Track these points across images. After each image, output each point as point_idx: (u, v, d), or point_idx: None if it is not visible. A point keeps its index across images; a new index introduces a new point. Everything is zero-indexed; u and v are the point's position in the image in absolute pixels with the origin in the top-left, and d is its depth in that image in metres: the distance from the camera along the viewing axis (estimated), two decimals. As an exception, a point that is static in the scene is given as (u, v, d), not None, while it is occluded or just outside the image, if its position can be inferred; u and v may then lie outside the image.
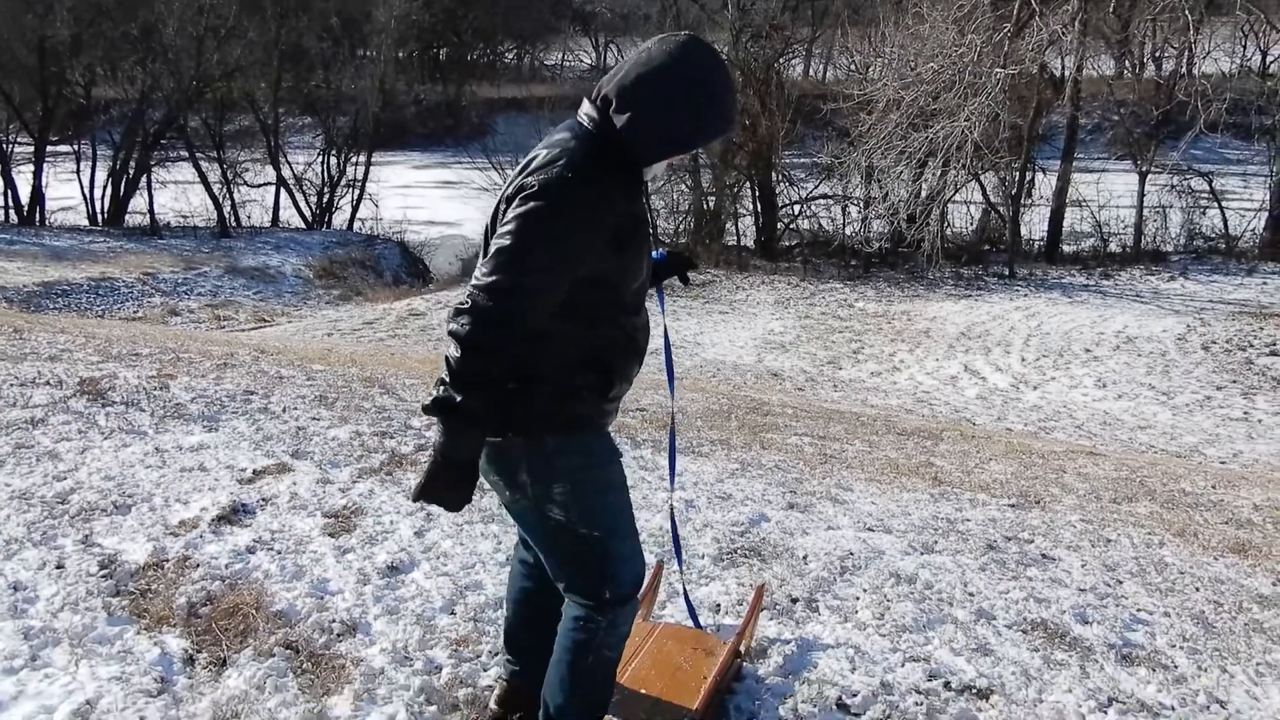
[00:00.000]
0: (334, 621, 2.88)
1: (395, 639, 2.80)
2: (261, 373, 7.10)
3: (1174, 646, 3.22)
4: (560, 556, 2.24)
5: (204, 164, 26.57)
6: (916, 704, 2.63)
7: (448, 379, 1.96)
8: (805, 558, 3.72)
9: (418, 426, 5.51)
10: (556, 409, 2.11)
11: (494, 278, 1.96)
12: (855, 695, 2.64)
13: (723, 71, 2.14)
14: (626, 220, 2.10)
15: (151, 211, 25.95)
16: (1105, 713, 2.69)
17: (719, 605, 3.25)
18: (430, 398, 1.98)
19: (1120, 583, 3.85)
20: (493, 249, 2.00)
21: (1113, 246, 22.01)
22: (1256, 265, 20.04)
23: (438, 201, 31.89)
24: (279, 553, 3.38)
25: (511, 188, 2.07)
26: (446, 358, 1.98)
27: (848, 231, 22.22)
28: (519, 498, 2.20)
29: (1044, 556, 4.08)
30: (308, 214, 28.84)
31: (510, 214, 2.01)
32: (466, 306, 1.96)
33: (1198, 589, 3.87)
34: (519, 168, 2.12)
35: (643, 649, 2.79)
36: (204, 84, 26.35)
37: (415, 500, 2.06)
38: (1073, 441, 9.89)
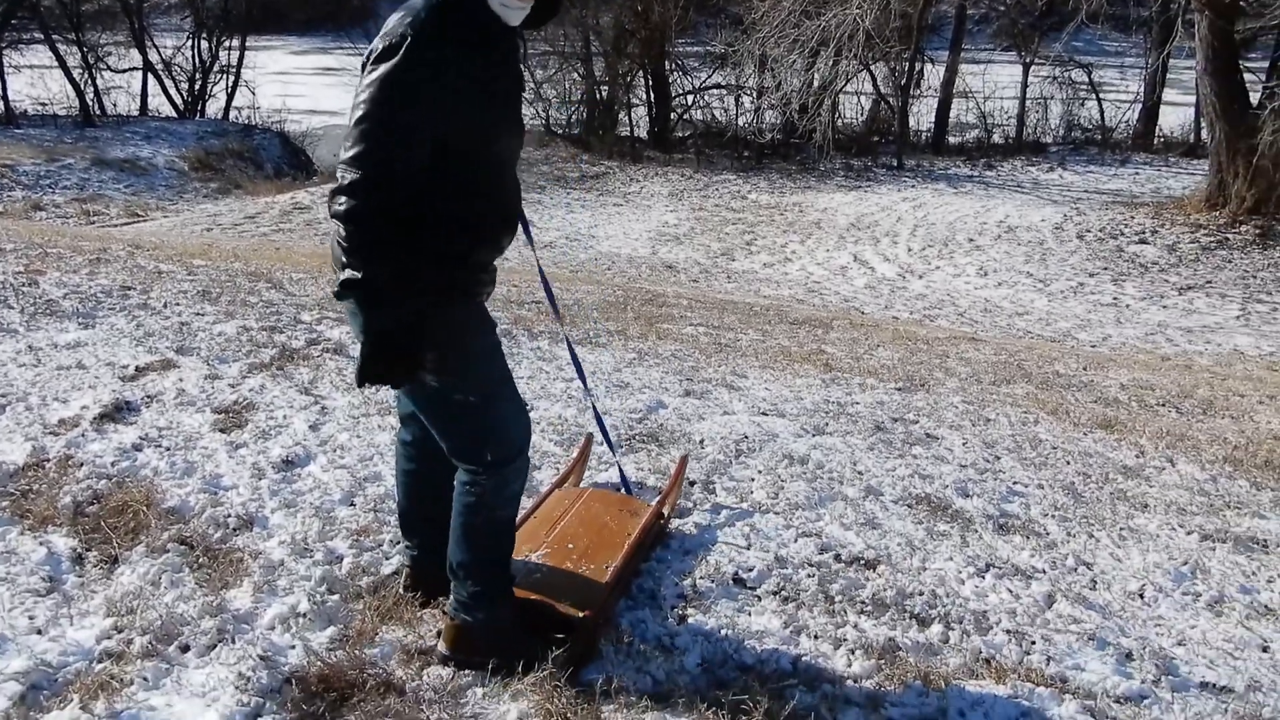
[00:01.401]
0: (229, 516, 2.84)
1: (294, 531, 2.78)
2: (139, 268, 6.80)
3: (1046, 515, 3.42)
4: (442, 423, 2.27)
5: (61, 47, 24.71)
6: (809, 575, 2.75)
7: (346, 259, 1.97)
8: (702, 442, 3.80)
9: (307, 320, 5.37)
10: (431, 278, 2.10)
11: (356, 148, 1.96)
12: (751, 570, 2.74)
13: None
14: (483, 78, 2.09)
15: (5, 99, 24.14)
16: (983, 577, 2.86)
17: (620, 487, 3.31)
18: (337, 282, 1.99)
19: (998, 458, 4.05)
20: (351, 121, 2.00)
21: (996, 138, 22.49)
22: (1129, 156, 20.75)
23: (319, 89, 30.55)
24: (168, 449, 3.29)
25: (365, 57, 2.06)
26: (338, 239, 1.99)
27: (741, 122, 22.15)
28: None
29: (928, 436, 4.26)
30: (179, 102, 27.21)
31: (361, 82, 2.01)
32: (343, 184, 1.96)
33: (1068, 462, 4.10)
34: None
35: (572, 510, 2.90)
36: (58, -43, 24.38)
37: (360, 385, 2.07)
38: (955, 328, 10.25)
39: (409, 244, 2.03)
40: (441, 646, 2.31)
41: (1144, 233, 15.01)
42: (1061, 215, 16.27)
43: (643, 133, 23.43)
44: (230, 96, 27.31)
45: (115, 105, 26.20)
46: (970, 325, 10.92)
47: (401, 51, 1.96)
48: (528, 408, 2.38)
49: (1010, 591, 2.78)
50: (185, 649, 2.25)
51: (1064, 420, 4.93)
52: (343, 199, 1.95)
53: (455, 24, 2.04)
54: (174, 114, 26.89)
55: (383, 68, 1.97)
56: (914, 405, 4.81)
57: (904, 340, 7.60)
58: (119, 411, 3.61)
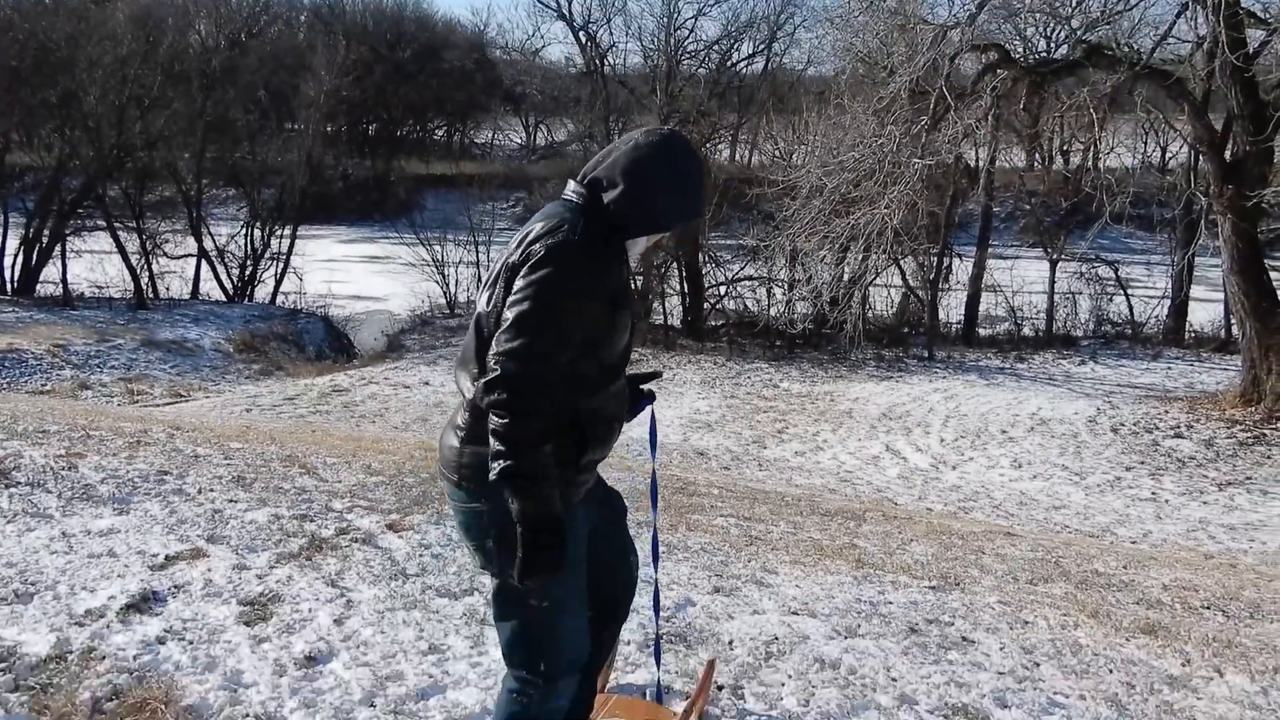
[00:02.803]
0: (248, 716, 2.79)
1: (312, 733, 2.72)
2: (176, 451, 6.92)
3: (1090, 730, 3.27)
4: (508, 624, 2.29)
5: (122, 234, 25.97)
6: (841, 794, 2.63)
7: (504, 448, 2.05)
8: (731, 643, 3.72)
9: (339, 509, 5.40)
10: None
11: (517, 342, 2.07)
12: (781, 786, 2.63)
13: (700, 162, 2.40)
14: (619, 285, 2.27)
15: (65, 281, 25.19)
16: (1025, 800, 2.72)
17: (647, 693, 3.22)
18: (495, 471, 2.05)
19: (1037, 665, 3.91)
20: (510, 316, 2.10)
21: (1026, 330, 22.73)
22: (1161, 351, 20.84)
23: (363, 276, 31.68)
24: (191, 643, 3.27)
25: (516, 256, 2.20)
26: (494, 430, 2.07)
27: (772, 313, 22.59)
28: (484, 563, 2.30)
29: (964, 639, 4.14)
30: (229, 287, 28.32)
31: (522, 281, 2.13)
32: (496, 376, 2.06)
33: (1111, 671, 3.96)
34: (517, 240, 2.26)
35: (594, 718, 2.80)
36: (125, 153, 25.87)
37: (523, 582, 2.11)
38: (991, 521, 10.08)
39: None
40: None
41: (1179, 427, 14.90)
42: (1095, 408, 16.23)
43: (676, 321, 23.93)
44: (279, 282, 28.36)
45: (168, 289, 27.29)
46: (1006, 519, 10.74)
47: (565, 255, 2.14)
48: (587, 630, 2.38)
49: (1054, 818, 2.64)
50: None
51: (1105, 624, 4.78)
52: (499, 390, 2.05)
53: (597, 234, 2.24)
54: (224, 298, 27.89)
55: (547, 270, 2.12)
56: (949, 606, 4.70)
57: (938, 534, 7.47)
58: (145, 602, 3.60)
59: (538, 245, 2.16)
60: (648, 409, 2.71)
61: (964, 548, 6.91)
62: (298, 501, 5.47)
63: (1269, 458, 13.58)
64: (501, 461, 2.05)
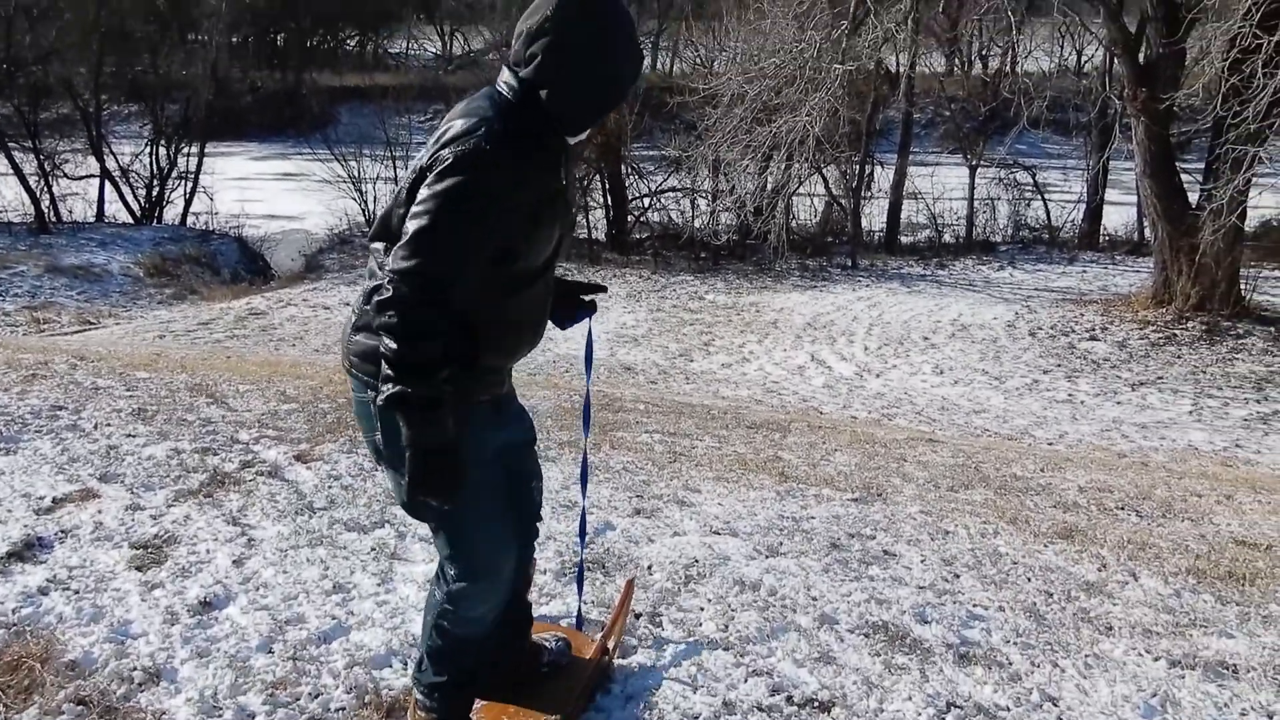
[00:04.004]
0: (134, 670, 2.62)
1: (203, 686, 2.57)
2: (75, 384, 6.59)
3: (1008, 642, 3.27)
4: (426, 520, 2.20)
5: (18, 155, 24.59)
6: (759, 723, 2.57)
7: (394, 374, 1.89)
8: (650, 568, 3.64)
9: (245, 440, 5.18)
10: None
11: (413, 263, 1.88)
12: (698, 718, 2.56)
13: (622, 8, 2.07)
14: (546, 193, 2.05)
15: (-43, 207, 23.94)
16: (944, 719, 2.69)
17: (562, 623, 3.13)
18: (383, 397, 1.91)
19: (957, 576, 3.91)
20: (410, 230, 1.91)
21: (947, 237, 22.91)
22: (1076, 254, 21.20)
23: (278, 194, 30.58)
24: (76, 593, 3.07)
25: (425, 158, 1.99)
26: (384, 353, 1.90)
27: (697, 224, 22.40)
28: (375, 457, 2.19)
29: (885, 553, 4.12)
30: (136, 208, 27.08)
31: (426, 191, 1.93)
32: (389, 297, 1.88)
33: (1029, 579, 3.98)
34: (433, 138, 2.03)
35: None
36: (15, 68, 24.40)
37: (410, 499, 2.01)
38: (913, 428, 10.19)
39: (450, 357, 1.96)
40: None
41: (1094, 329, 15.21)
42: (1013, 313, 16.48)
43: (600, 235, 23.62)
44: (188, 203, 27.24)
45: (71, 212, 26.01)
46: (928, 424, 10.88)
47: (474, 165, 1.91)
48: (511, 538, 2.24)
49: (973, 735, 2.62)
50: (68, 835, 2.03)
51: (1024, 530, 4.82)
52: (391, 313, 1.88)
53: (523, 134, 2.00)
54: (131, 220, 26.75)
55: (451, 181, 1.91)
56: (870, 518, 4.69)
57: (861, 443, 7.50)
58: (29, 549, 3.39)
59: (446, 151, 1.94)
60: (585, 322, 2.54)
61: (886, 456, 6.94)
62: (201, 434, 5.23)
63: (1179, 357, 13.95)
64: (390, 387, 1.90)
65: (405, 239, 1.91)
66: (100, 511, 3.77)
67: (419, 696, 2.26)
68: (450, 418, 1.95)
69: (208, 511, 3.86)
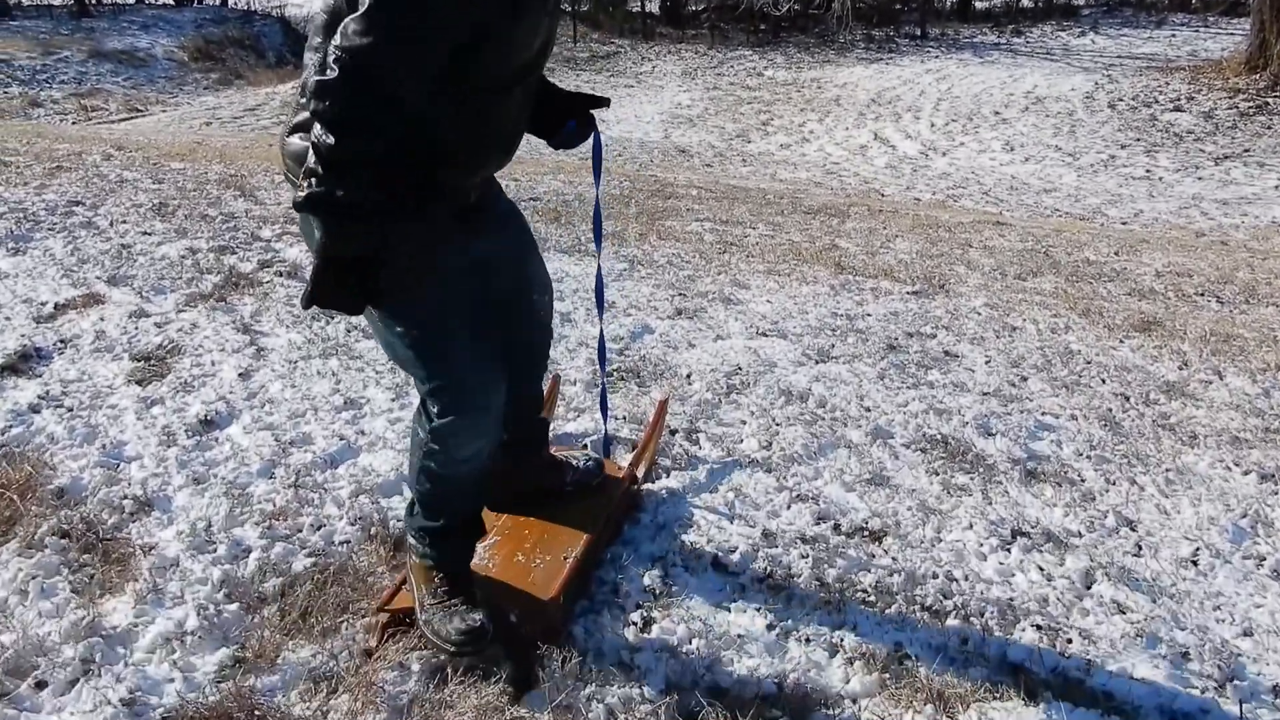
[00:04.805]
0: (125, 498, 2.43)
1: (197, 516, 2.37)
2: (99, 177, 6.32)
3: (1081, 456, 2.96)
4: (397, 362, 1.95)
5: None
6: (802, 557, 2.31)
7: (319, 169, 1.58)
8: (689, 376, 3.35)
9: (266, 237, 4.90)
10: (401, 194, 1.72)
11: (362, 38, 1.53)
12: (734, 551, 2.31)
13: None
14: None
15: (-2, -10, 23.27)
16: (1009, 550, 2.41)
17: (587, 443, 2.87)
18: (302, 195, 1.60)
19: (1025, 380, 3.57)
20: (360, 7, 1.56)
21: (1025, 1, 21.29)
22: (1165, 17, 19.63)
23: (316, -30, 29.20)
24: (70, 410, 2.87)
25: None
26: (314, 144, 1.58)
27: (755, -8, 21.01)
28: None
29: (946, 354, 3.78)
30: (176, -12, 26.19)
31: None
32: (330, 78, 1.54)
33: (1104, 381, 3.63)
34: None
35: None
36: None
37: (305, 308, 1.76)
38: (980, 209, 9.63)
39: (392, 162, 1.65)
40: None
41: (1179, 99, 14.14)
42: (1093, 83, 15.35)
43: (654, 7, 22.32)
44: (228, -20, 26.22)
45: (111, -7, 25.21)
46: (996, 205, 10.29)
47: None
48: (497, 363, 1.93)
49: (1041, 570, 2.34)
50: (41, 685, 1.87)
51: (1097, 323, 4.43)
52: (330, 96, 1.55)
53: None
54: (171, 1, 25.88)
55: None
56: (932, 314, 4.32)
57: (924, 228, 7.04)
58: (25, 361, 3.19)
59: None
60: (591, 137, 2.13)
61: (951, 241, 6.50)
62: (221, 230, 4.96)
63: (1269, 128, 12.93)
64: (311, 184, 1.59)
65: (360, 10, 1.55)
66: (103, 319, 3.55)
67: (413, 542, 2.03)
68: (377, 232, 1.65)
69: (217, 318, 3.62)
